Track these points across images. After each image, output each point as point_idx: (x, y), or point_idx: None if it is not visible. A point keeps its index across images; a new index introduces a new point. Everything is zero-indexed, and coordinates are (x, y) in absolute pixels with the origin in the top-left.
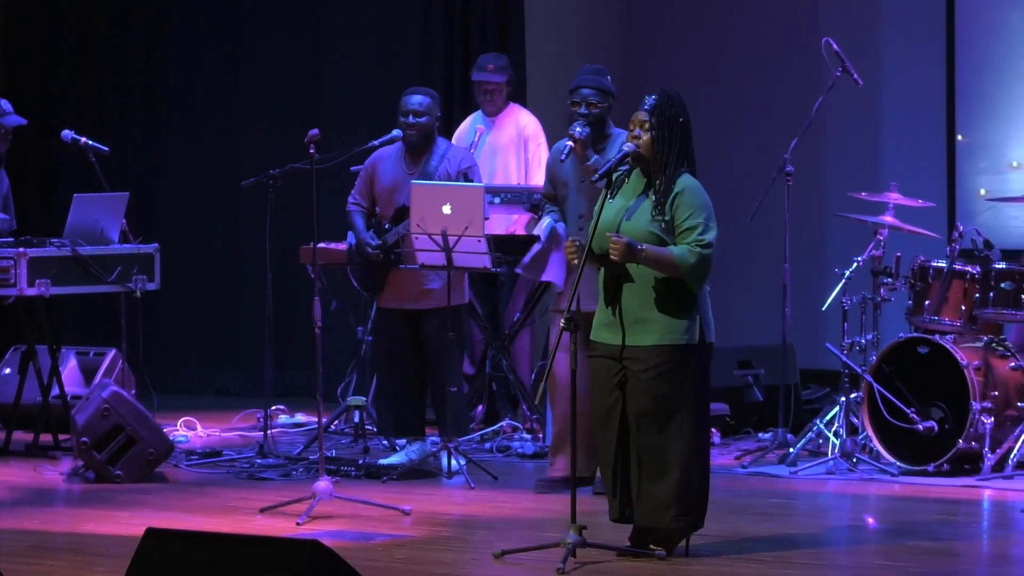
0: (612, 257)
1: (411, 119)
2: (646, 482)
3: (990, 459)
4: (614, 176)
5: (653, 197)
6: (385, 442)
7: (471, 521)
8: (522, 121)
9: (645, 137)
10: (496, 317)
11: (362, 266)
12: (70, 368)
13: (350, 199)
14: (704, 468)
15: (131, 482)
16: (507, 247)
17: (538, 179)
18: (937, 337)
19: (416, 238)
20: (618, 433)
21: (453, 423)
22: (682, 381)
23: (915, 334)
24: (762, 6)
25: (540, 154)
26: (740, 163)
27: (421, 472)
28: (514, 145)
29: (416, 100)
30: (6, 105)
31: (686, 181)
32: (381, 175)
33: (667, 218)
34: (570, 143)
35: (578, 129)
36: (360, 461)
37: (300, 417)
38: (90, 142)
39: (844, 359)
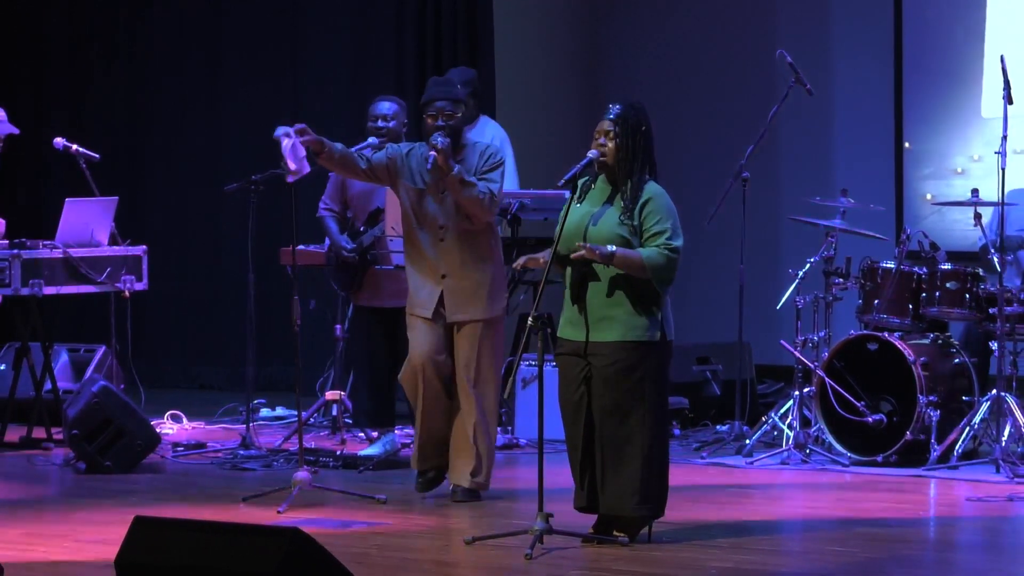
0: (580, 256)
1: (379, 123)
2: (609, 473)
3: (936, 450)
4: (579, 182)
5: (621, 203)
6: (361, 434)
7: (443, 509)
8: (488, 133)
9: (610, 145)
10: None
11: (338, 268)
12: (62, 364)
13: (321, 204)
14: (664, 459)
15: (120, 472)
16: None
17: (507, 187)
18: (886, 334)
19: (391, 240)
20: (585, 426)
21: None
22: (643, 376)
23: (865, 331)
24: (719, 19)
25: (506, 166)
26: (698, 169)
27: (396, 463)
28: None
29: (384, 106)
30: (1, 113)
31: (653, 189)
32: (355, 179)
33: (635, 223)
34: (433, 153)
35: (440, 139)
36: (338, 452)
37: (280, 411)
38: (81, 149)
39: (797, 355)
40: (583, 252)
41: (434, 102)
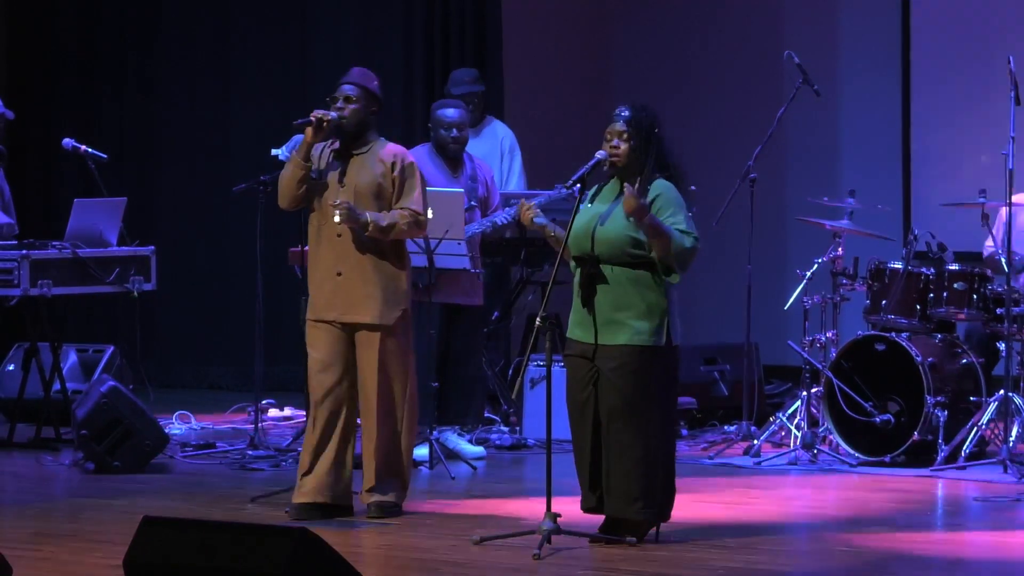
0: (627, 204)
1: (453, 132)
2: (615, 475)
3: (944, 450)
4: (587, 181)
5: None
6: None
7: (451, 509)
8: (499, 133)
9: (623, 147)
10: None
11: None
12: (71, 364)
13: None
14: (670, 463)
15: (128, 472)
16: (486, 248)
17: (515, 188)
18: (893, 335)
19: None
20: (592, 428)
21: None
22: (648, 380)
23: (872, 332)
24: (727, 20)
25: (516, 166)
26: (706, 170)
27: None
28: (492, 156)
29: (453, 113)
30: None
31: (662, 184)
32: None
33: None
34: (313, 117)
35: (329, 113)
36: None
37: (288, 411)
38: (90, 150)
39: (805, 356)
40: (629, 193)
41: (342, 85)
